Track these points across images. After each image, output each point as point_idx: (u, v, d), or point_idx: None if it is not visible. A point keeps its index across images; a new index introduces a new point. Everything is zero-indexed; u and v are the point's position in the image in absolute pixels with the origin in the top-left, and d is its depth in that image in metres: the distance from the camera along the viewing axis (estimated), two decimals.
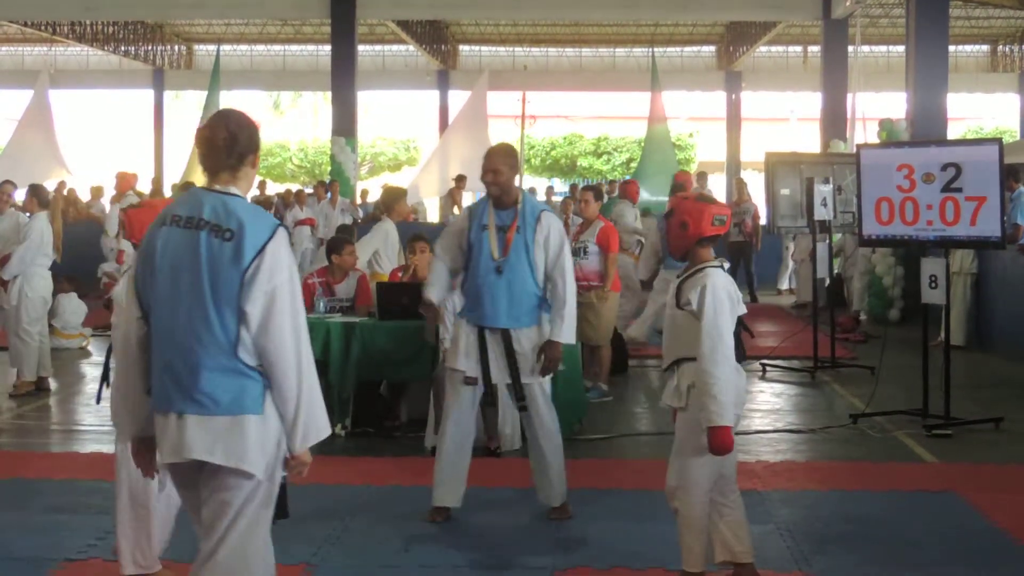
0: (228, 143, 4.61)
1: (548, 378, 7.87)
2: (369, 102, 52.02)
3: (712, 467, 6.13)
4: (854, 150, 12.81)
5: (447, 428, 7.87)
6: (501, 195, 7.78)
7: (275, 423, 4.56)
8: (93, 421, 11.27)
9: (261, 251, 4.45)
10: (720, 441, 5.87)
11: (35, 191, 13.18)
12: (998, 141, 10.66)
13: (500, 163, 7.76)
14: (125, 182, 20.00)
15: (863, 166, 11.30)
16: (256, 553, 4.63)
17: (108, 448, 10.01)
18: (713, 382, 5.84)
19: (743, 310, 6.14)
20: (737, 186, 24.57)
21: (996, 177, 10.28)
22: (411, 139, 51.16)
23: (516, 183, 7.99)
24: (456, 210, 20.87)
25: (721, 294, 5.98)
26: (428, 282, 8.15)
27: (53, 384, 13.02)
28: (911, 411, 11.07)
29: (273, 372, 4.51)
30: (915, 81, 18.21)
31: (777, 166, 15.39)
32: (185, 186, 20.77)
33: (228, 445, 4.47)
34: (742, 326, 6.22)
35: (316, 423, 4.63)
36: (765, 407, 12.21)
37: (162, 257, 4.54)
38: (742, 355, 6.20)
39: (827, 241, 14.73)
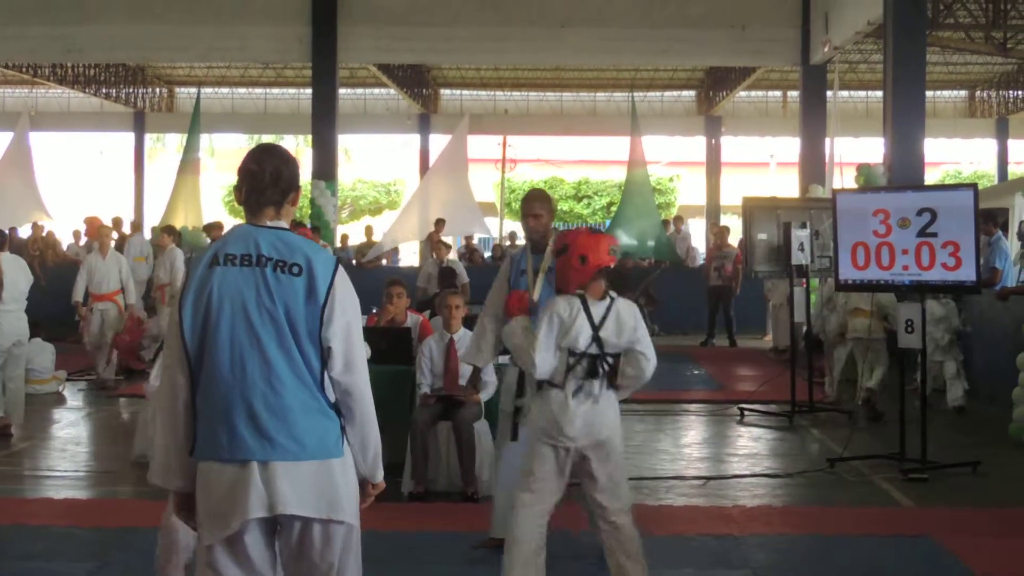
0: (274, 178, 4.48)
1: None
2: (351, 145, 52.07)
3: None
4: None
5: (505, 464, 7.91)
6: (540, 239, 7.92)
7: (351, 463, 4.45)
8: (67, 467, 11.21)
9: (332, 284, 4.36)
10: None
11: None
12: (973, 187, 10.72)
13: (539, 208, 7.95)
14: (93, 227, 19.74)
15: (839, 211, 11.33)
16: None
17: (82, 494, 10.03)
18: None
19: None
20: (719, 231, 24.65)
21: (971, 222, 10.34)
22: (392, 182, 51.22)
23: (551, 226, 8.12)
24: (434, 255, 20.75)
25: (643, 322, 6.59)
26: (475, 346, 8.27)
27: (16, 431, 12.72)
28: (888, 455, 11.08)
29: (356, 407, 4.42)
30: (893, 126, 18.27)
31: (754, 211, 15.42)
32: (166, 228, 20.73)
33: (319, 494, 4.30)
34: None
35: (381, 453, 4.60)
36: (743, 451, 12.22)
37: (220, 298, 4.34)
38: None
39: (804, 286, 14.76)
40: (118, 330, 16.41)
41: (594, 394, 6.46)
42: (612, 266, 6.56)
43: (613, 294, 6.57)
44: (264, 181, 4.47)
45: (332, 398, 4.40)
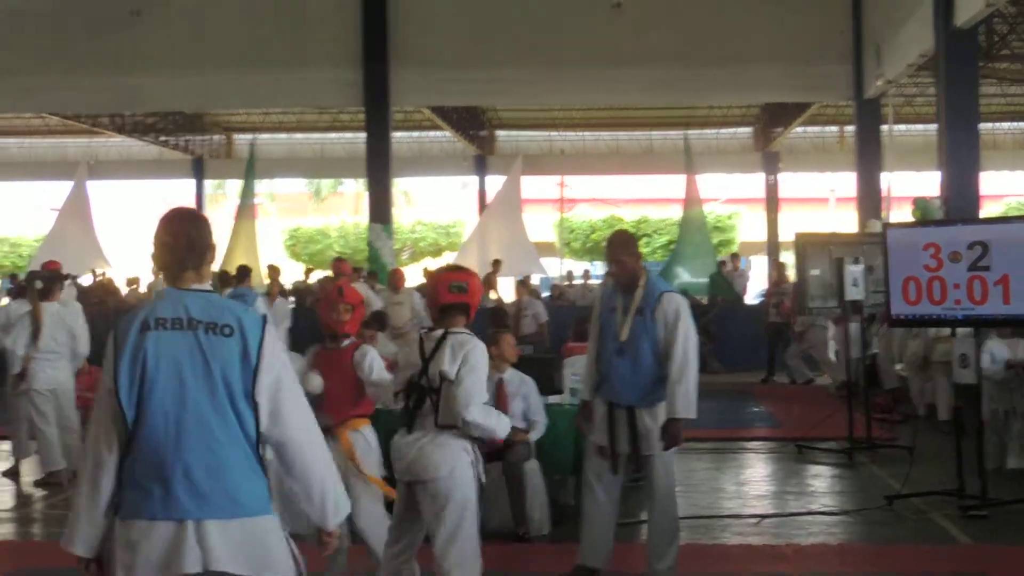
0: (189, 244, 4.59)
1: (672, 452, 8.04)
2: (411, 187, 52.33)
3: None
4: None
5: (593, 495, 8.20)
6: (628, 282, 8.08)
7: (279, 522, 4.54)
8: None
9: (262, 343, 4.46)
10: None
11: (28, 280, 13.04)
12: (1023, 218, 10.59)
13: (620, 254, 8.12)
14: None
15: (890, 245, 11.22)
16: None
17: None
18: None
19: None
20: (776, 267, 24.56)
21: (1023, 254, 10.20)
22: (452, 224, 51.36)
23: (640, 266, 8.24)
24: (492, 294, 20.82)
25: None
26: (582, 379, 8.63)
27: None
28: (947, 492, 10.92)
29: (294, 457, 4.52)
30: (947, 160, 18.11)
31: (807, 247, 15.34)
32: (223, 276, 20.84)
33: (251, 551, 4.36)
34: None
35: (340, 499, 4.68)
36: (798, 489, 12.10)
37: (156, 362, 4.40)
38: None
39: (859, 322, 14.62)
40: None
41: (423, 429, 6.58)
42: (454, 302, 6.64)
43: (459, 329, 6.62)
44: (180, 250, 4.59)
45: (265, 453, 4.50)
